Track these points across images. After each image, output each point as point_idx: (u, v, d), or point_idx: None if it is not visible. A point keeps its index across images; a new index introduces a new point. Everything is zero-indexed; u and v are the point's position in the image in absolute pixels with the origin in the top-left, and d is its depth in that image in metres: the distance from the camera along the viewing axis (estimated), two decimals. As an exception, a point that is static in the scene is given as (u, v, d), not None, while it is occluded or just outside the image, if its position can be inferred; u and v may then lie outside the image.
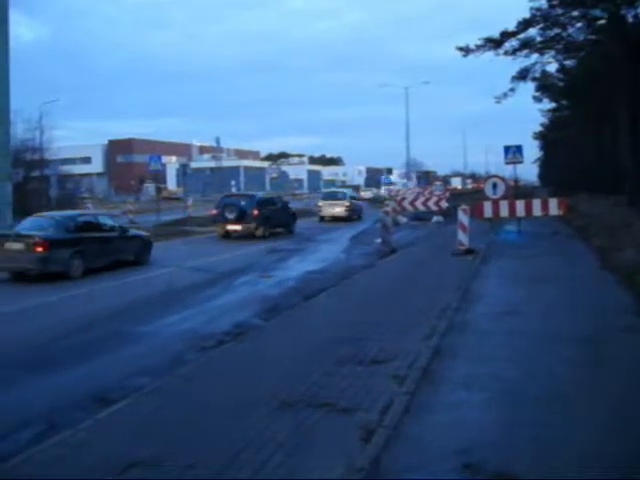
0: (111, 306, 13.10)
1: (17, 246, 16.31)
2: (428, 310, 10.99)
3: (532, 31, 32.45)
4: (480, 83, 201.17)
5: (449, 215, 30.71)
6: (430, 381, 7.22)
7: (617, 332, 9.18)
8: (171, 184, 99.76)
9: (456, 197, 46.67)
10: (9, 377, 8.37)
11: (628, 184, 31.51)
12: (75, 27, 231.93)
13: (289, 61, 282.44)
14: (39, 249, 16.08)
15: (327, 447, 5.46)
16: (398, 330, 9.62)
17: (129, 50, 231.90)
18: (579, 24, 32.85)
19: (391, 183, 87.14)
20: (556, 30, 32.75)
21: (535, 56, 34.42)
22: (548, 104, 56.95)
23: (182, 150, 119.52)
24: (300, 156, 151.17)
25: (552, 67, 41.98)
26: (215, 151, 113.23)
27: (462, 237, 18.77)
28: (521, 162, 24.85)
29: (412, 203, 32.24)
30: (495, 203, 21.03)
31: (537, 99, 52.21)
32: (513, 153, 24.17)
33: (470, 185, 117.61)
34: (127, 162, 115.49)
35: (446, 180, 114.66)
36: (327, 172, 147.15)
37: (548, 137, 78.02)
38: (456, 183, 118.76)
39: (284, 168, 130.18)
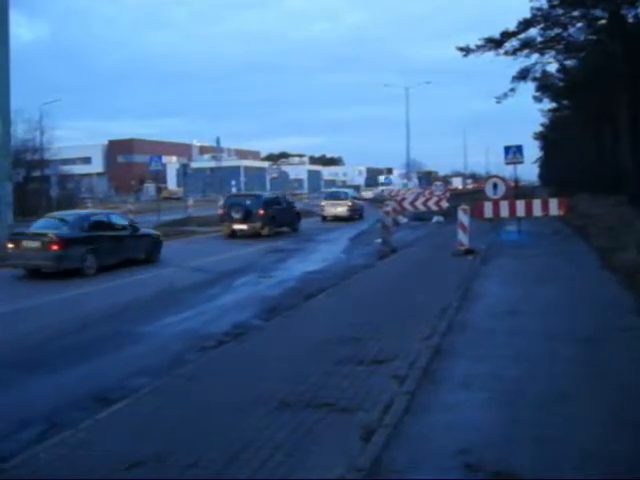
0: (117, 304, 13.33)
1: (33, 244, 17.01)
2: (428, 310, 10.99)
3: (533, 31, 32.53)
4: (480, 83, 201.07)
5: (449, 215, 30.71)
6: (430, 381, 7.22)
7: (617, 332, 9.18)
8: (171, 184, 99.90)
9: (456, 197, 46.70)
10: (10, 377, 8.38)
11: (628, 184, 31.52)
12: (75, 27, 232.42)
13: (289, 61, 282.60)
14: (55, 247, 16.69)
15: (327, 447, 5.46)
16: (398, 330, 9.62)
17: (129, 50, 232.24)
18: (580, 24, 32.92)
19: (388, 183, 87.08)
20: (557, 30, 32.79)
21: (535, 56, 34.48)
22: (548, 104, 56.97)
23: (182, 150, 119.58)
24: (300, 156, 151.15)
25: (552, 67, 42.04)
26: (215, 151, 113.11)
27: (462, 237, 18.77)
28: (521, 162, 24.80)
29: (412, 203, 32.23)
30: (495, 203, 21.02)
31: (537, 99, 52.21)
32: (513, 153, 24.13)
33: (470, 185, 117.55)
34: (127, 162, 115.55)
35: (446, 180, 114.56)
36: (327, 172, 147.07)
37: (548, 137, 78.05)
38: (457, 183, 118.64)
39: (284, 168, 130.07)
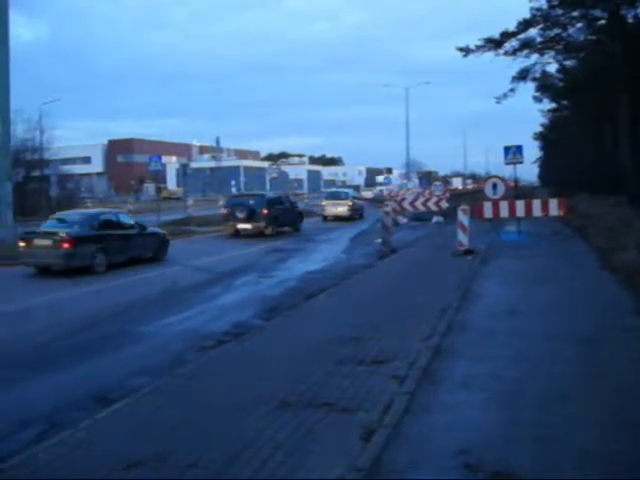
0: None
1: (45, 242, 17.45)
2: (428, 310, 11.00)
3: (532, 31, 32.54)
4: (480, 83, 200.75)
5: (449, 215, 30.72)
6: (430, 381, 7.22)
7: (617, 332, 9.18)
8: (171, 184, 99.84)
9: (456, 197, 46.71)
10: (11, 376, 8.38)
11: (628, 184, 31.52)
12: (75, 27, 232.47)
13: (289, 61, 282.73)
14: (65, 245, 17.14)
15: (327, 447, 5.46)
16: (398, 330, 9.62)
17: (129, 50, 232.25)
18: (579, 24, 32.92)
19: (388, 183, 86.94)
20: (556, 30, 32.80)
21: (535, 56, 34.50)
22: (548, 104, 57.00)
23: (182, 150, 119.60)
24: (300, 156, 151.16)
25: (552, 67, 42.06)
26: (215, 151, 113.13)
27: (462, 237, 18.78)
28: (521, 162, 24.80)
29: (412, 203, 32.23)
30: (495, 203, 21.02)
31: (537, 99, 52.24)
32: (513, 153, 24.12)
33: (470, 186, 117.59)
34: (127, 162, 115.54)
35: (446, 180, 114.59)
36: (327, 172, 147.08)
37: (548, 137, 78.05)
38: (457, 183, 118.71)
39: (284, 168, 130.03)
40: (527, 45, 33.03)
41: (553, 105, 57.70)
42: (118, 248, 18.79)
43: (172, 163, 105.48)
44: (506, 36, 32.26)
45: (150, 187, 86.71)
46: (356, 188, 76.52)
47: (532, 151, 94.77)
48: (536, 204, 21.37)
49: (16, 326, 11.35)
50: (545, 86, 48.83)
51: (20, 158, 43.54)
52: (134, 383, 7.79)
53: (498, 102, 36.65)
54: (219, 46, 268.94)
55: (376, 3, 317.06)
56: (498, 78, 47.34)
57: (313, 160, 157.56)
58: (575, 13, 31.90)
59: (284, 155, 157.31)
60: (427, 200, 32.44)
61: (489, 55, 32.97)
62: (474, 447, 5.37)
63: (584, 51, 36.87)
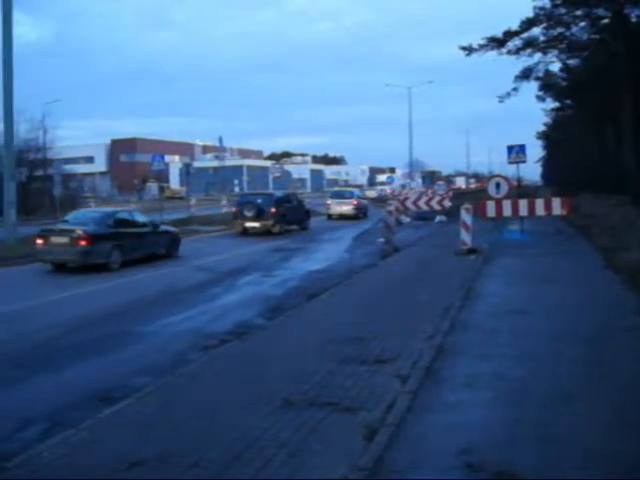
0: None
1: (62, 240, 17.82)
2: (431, 309, 10.99)
3: (535, 30, 32.51)
4: (483, 83, 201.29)
5: (452, 214, 30.70)
6: (433, 380, 7.21)
7: (621, 332, 9.16)
8: (174, 183, 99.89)
9: (459, 196, 46.66)
10: (14, 375, 8.38)
11: (631, 184, 31.46)
12: (78, 27, 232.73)
13: (291, 61, 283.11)
14: (82, 242, 17.51)
15: (330, 446, 5.45)
16: (401, 329, 9.61)
17: (132, 50, 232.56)
18: (583, 23, 32.88)
19: (391, 183, 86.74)
20: (559, 29, 32.77)
21: (538, 55, 34.48)
22: (551, 103, 56.93)
23: (185, 149, 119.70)
24: (303, 155, 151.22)
25: (555, 66, 42.01)
26: (218, 150, 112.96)
27: (465, 236, 18.76)
28: (524, 162, 24.79)
29: (415, 203, 32.26)
30: (498, 202, 20.99)
31: (540, 98, 52.17)
32: (516, 152, 24.12)
33: (473, 185, 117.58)
34: (130, 161, 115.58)
35: (449, 180, 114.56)
36: (330, 171, 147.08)
37: (551, 137, 78.00)
38: (460, 183, 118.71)
39: (287, 167, 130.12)
40: (530, 44, 33.00)
41: (556, 104, 57.66)
42: (132, 245, 19.17)
43: (175, 162, 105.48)
44: (509, 35, 32.24)
45: (153, 186, 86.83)
46: (359, 187, 76.48)
47: (535, 150, 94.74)
48: (539, 203, 21.32)
49: (18, 325, 11.33)
50: (548, 85, 48.77)
51: (23, 158, 43.63)
52: (137, 382, 7.79)
53: (501, 101, 36.65)
54: (222, 46, 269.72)
55: (378, 2, 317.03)
56: (501, 77, 47.45)
57: (316, 159, 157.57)
58: (578, 12, 31.86)
59: (287, 154, 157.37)
60: (430, 199, 32.47)
61: (492, 54, 32.99)
62: (477, 447, 5.35)
63: (587, 50, 36.82)
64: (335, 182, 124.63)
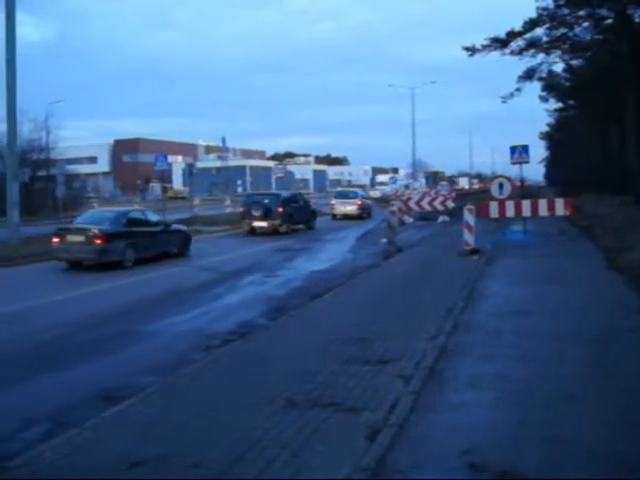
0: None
1: (78, 238, 18.29)
2: (434, 309, 10.98)
3: (538, 31, 32.49)
4: (486, 83, 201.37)
5: (455, 215, 30.68)
6: (436, 381, 7.20)
7: (624, 332, 9.15)
8: (177, 184, 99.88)
9: (462, 197, 46.63)
10: (18, 375, 8.39)
11: (635, 184, 31.42)
12: (81, 27, 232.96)
13: (294, 61, 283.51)
14: (98, 241, 17.99)
15: (333, 446, 5.45)
16: (404, 329, 9.60)
17: (134, 50, 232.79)
18: (586, 24, 32.86)
19: (391, 183, 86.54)
20: (562, 30, 32.74)
21: (541, 56, 34.46)
22: (554, 104, 56.99)
23: (188, 150, 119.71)
24: (306, 156, 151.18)
25: (558, 67, 42.00)
26: (221, 151, 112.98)
27: (468, 237, 18.75)
28: (527, 162, 24.75)
29: (418, 203, 32.28)
30: (501, 203, 20.98)
31: (543, 99, 52.24)
32: (519, 153, 24.08)
33: (477, 185, 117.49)
34: (133, 162, 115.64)
35: (453, 180, 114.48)
36: (333, 172, 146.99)
37: (554, 137, 77.97)
38: (463, 183, 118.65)
39: (290, 168, 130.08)
40: (533, 44, 32.98)
41: (559, 105, 57.71)
42: (146, 244, 19.63)
43: (178, 163, 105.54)
44: (512, 35, 32.22)
45: (156, 187, 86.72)
46: (362, 188, 76.41)
47: (538, 151, 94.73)
48: (542, 204, 21.30)
49: (20, 325, 11.34)
50: (551, 86, 48.77)
51: (26, 158, 43.69)
52: (140, 382, 7.78)
53: (504, 102, 36.66)
54: (224, 46, 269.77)
55: (380, 3, 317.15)
56: (504, 78, 47.38)
57: (319, 160, 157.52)
58: (582, 12, 31.83)
59: (290, 155, 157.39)
60: (433, 200, 32.51)
61: (495, 55, 32.98)
62: (480, 447, 5.35)
63: (590, 51, 36.79)
64: (338, 182, 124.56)
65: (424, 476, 4.92)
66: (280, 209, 29.17)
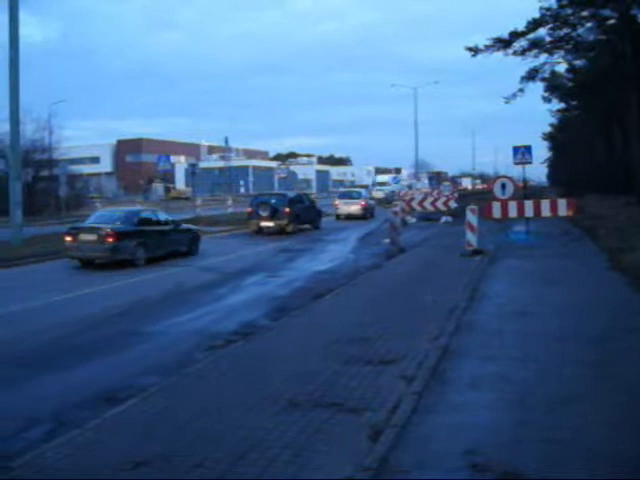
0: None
1: (90, 237, 18.69)
2: (436, 310, 10.97)
3: (541, 31, 32.52)
4: (489, 84, 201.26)
5: (458, 215, 30.68)
6: (438, 381, 7.20)
7: (627, 333, 9.14)
8: (180, 184, 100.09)
9: (465, 197, 46.64)
10: (20, 374, 8.39)
11: (638, 185, 31.40)
12: (84, 27, 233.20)
13: (297, 62, 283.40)
14: (110, 239, 18.36)
15: (335, 447, 5.45)
16: (406, 330, 9.60)
17: (138, 50, 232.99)
18: (589, 24, 32.84)
19: (384, 183, 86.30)
20: (566, 30, 32.75)
21: (544, 56, 34.50)
22: (557, 104, 56.94)
23: (191, 150, 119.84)
24: (309, 156, 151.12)
25: (561, 67, 41.97)
26: (224, 151, 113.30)
27: (470, 237, 18.73)
28: (530, 163, 24.74)
29: (421, 203, 32.28)
30: (504, 203, 20.94)
31: (546, 99, 52.20)
32: (522, 154, 24.07)
33: (479, 186, 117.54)
34: (136, 162, 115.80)
35: (455, 180, 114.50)
36: (336, 172, 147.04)
37: (557, 138, 77.95)
38: (466, 183, 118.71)
39: (293, 168, 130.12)
40: (536, 45, 32.98)
41: (562, 105, 57.65)
42: (156, 243, 19.96)
43: (181, 163, 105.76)
44: (515, 36, 32.23)
45: (159, 187, 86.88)
46: (365, 188, 76.39)
47: (541, 151, 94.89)
48: (545, 204, 21.26)
49: (25, 325, 11.36)
50: (554, 86, 48.77)
51: (29, 158, 43.72)
52: (142, 382, 7.79)
53: (507, 102, 36.71)
54: (227, 46, 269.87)
55: (383, 3, 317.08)
56: (507, 78, 47.38)
57: (322, 160, 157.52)
58: (585, 13, 31.83)
59: (293, 155, 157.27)
60: (436, 200, 32.48)
61: (498, 55, 33.03)
62: (482, 447, 5.35)
63: (593, 51, 36.78)
64: (341, 183, 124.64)
65: (426, 476, 4.92)
66: (287, 209, 29.51)
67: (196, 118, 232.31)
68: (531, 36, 32.51)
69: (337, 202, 41.13)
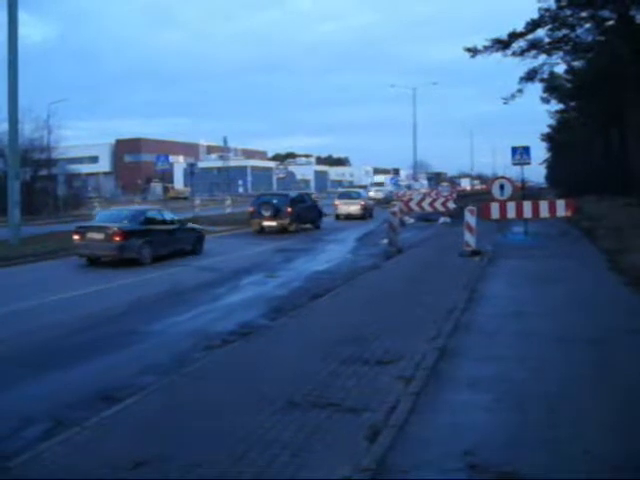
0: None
1: (98, 236, 19.04)
2: (435, 310, 10.97)
3: (540, 32, 32.49)
4: (488, 84, 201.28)
5: (456, 216, 30.68)
6: (436, 381, 7.20)
7: (625, 334, 9.15)
8: (178, 183, 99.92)
9: (464, 198, 46.68)
10: (17, 374, 8.38)
11: (636, 185, 31.42)
12: (83, 27, 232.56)
13: (296, 61, 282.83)
14: (117, 238, 18.69)
15: (333, 447, 5.45)
16: (404, 330, 9.61)
17: (136, 49, 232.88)
18: (588, 25, 32.82)
19: (379, 184, 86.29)
20: (564, 31, 32.73)
21: (543, 57, 34.47)
22: (556, 105, 56.99)
23: (189, 150, 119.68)
24: (307, 156, 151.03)
25: (560, 68, 41.99)
26: (222, 151, 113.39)
27: (469, 238, 18.73)
28: (528, 163, 24.78)
29: (419, 204, 32.28)
30: (502, 204, 20.95)
31: (545, 100, 52.25)
32: (520, 154, 24.11)
33: (478, 186, 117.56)
34: (134, 161, 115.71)
35: (454, 181, 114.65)
36: (334, 172, 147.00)
37: (556, 138, 77.95)
38: (465, 184, 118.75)
39: (291, 168, 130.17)
40: (535, 46, 32.97)
41: (561, 106, 57.71)
42: (162, 242, 20.31)
43: (179, 163, 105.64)
44: (514, 36, 32.22)
45: (157, 186, 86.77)
46: (363, 188, 76.30)
47: (539, 152, 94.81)
48: (543, 205, 21.28)
49: (18, 324, 11.35)
50: (553, 87, 48.80)
51: (28, 157, 43.64)
52: (141, 381, 7.79)
53: (505, 103, 36.68)
54: (226, 46, 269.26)
55: (383, 4, 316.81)
56: (506, 79, 47.42)
57: (320, 160, 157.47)
58: (584, 14, 31.82)
59: (291, 155, 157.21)
60: (434, 201, 32.47)
61: (497, 56, 32.99)
62: (480, 448, 5.35)
63: (592, 52, 36.77)
64: (339, 183, 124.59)
65: (425, 477, 4.92)
66: (289, 209, 29.92)
67: (195, 118, 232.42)
68: (530, 37, 32.51)
69: (337, 202, 41.48)
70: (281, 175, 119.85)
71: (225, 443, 5.55)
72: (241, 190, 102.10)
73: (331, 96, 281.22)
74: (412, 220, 34.54)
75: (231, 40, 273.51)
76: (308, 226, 32.26)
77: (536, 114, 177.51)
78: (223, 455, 5.30)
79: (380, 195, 63.04)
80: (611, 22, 32.27)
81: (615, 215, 25.88)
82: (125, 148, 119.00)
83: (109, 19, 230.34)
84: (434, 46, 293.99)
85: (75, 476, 5.06)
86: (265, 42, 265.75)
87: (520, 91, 36.22)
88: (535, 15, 31.55)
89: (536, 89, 43.44)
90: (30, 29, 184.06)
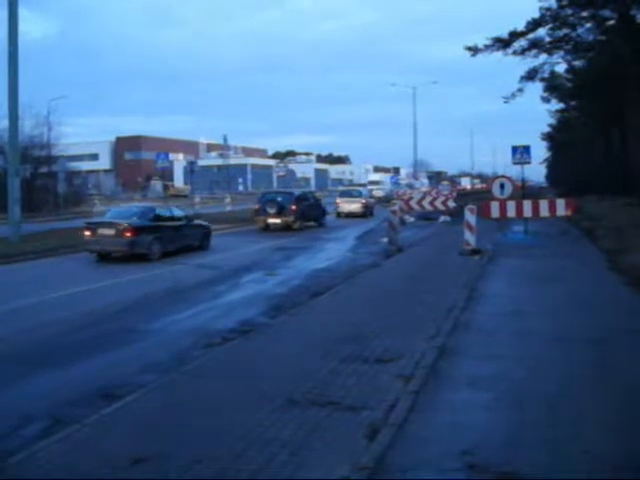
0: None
1: (108, 231, 19.51)
2: (434, 309, 10.97)
3: (541, 31, 32.47)
4: (488, 83, 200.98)
5: (456, 215, 30.68)
6: (436, 380, 7.20)
7: (625, 334, 9.15)
8: (178, 181, 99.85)
9: (464, 197, 46.68)
10: (16, 372, 8.38)
11: (637, 185, 31.42)
12: (84, 24, 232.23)
13: (297, 60, 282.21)
14: (128, 234, 19.21)
15: (332, 445, 5.45)
16: (404, 329, 9.61)
17: (137, 47, 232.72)
18: (588, 24, 32.79)
19: (376, 182, 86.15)
20: (565, 30, 32.71)
21: (544, 56, 34.43)
22: (556, 105, 56.93)
23: (190, 147, 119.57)
24: (307, 154, 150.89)
25: (561, 67, 41.95)
26: (222, 149, 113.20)
27: (469, 237, 18.74)
28: (529, 163, 24.78)
29: (419, 203, 32.27)
30: (502, 203, 20.95)
31: (545, 100, 52.20)
32: (521, 153, 24.10)
33: (478, 185, 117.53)
34: (135, 159, 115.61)
35: (454, 180, 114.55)
36: (334, 171, 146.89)
37: (556, 138, 77.93)
38: (465, 183, 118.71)
39: (291, 166, 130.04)
40: (536, 45, 32.95)
41: (561, 105, 57.67)
42: (170, 238, 20.85)
43: (179, 160, 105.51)
44: (515, 36, 32.20)
45: (157, 184, 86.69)
46: (364, 186, 76.15)
47: (540, 151, 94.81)
48: (543, 204, 21.27)
49: (19, 322, 11.35)
50: (553, 86, 48.76)
51: (28, 154, 43.66)
52: (141, 379, 7.79)
53: (506, 102, 36.65)
54: (227, 45, 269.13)
55: (383, 3, 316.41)
56: (506, 78, 47.38)
57: (320, 159, 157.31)
58: (584, 13, 31.79)
59: (291, 153, 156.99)
60: (434, 199, 32.47)
61: (497, 55, 32.97)
62: (480, 448, 5.34)
63: (593, 51, 36.75)
64: (339, 181, 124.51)
65: (424, 476, 4.92)
66: (293, 207, 30.44)
67: (195, 116, 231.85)
68: (531, 36, 32.48)
69: (338, 200, 41.93)
70: (281, 173, 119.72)
71: (224, 441, 5.55)
72: (241, 188, 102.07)
73: (332, 95, 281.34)
74: (412, 219, 34.53)
75: (232, 39, 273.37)
76: (312, 224, 32.65)
77: (536, 113, 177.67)
78: (222, 453, 5.30)
79: (380, 193, 63.02)
80: (612, 22, 32.25)
81: (615, 215, 25.87)
82: (125, 145, 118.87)
83: (109, 16, 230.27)
84: (435, 45, 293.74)
85: (75, 474, 5.05)
86: (266, 41, 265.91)
87: (520, 90, 36.22)
88: (536, 14, 31.55)
89: (537, 88, 43.42)
90: (30, 25, 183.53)
